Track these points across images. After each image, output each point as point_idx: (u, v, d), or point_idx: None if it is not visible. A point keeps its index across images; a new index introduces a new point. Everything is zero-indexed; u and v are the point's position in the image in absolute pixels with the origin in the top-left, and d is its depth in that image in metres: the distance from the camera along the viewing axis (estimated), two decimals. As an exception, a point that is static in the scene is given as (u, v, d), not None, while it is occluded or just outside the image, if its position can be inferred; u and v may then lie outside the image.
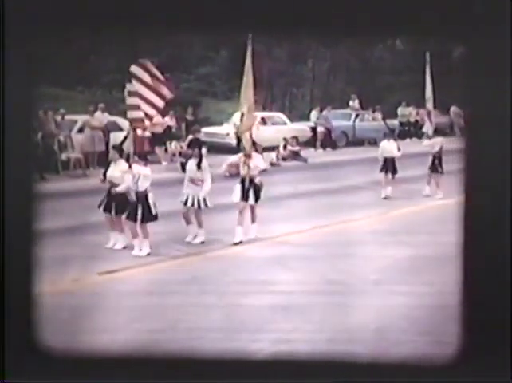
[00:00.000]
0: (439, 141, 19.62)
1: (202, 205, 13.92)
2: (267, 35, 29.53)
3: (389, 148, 19.40)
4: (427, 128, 32.38)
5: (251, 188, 14.28)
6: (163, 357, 4.18)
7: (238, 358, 4.26)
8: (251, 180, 14.33)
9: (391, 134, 21.12)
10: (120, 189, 13.30)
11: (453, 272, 3.99)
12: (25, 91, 3.94)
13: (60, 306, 8.91)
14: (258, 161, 14.87)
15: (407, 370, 4.11)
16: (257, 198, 14.39)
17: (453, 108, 34.15)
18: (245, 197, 14.26)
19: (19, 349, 3.91)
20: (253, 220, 14.43)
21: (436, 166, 18.83)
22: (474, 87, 3.86)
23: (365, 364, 4.22)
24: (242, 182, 14.35)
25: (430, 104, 21.16)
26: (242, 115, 14.92)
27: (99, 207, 13.52)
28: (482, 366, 3.91)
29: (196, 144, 15.41)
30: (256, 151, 15.58)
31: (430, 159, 19.02)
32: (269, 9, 4.12)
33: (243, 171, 14.46)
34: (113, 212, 13.42)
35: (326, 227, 15.26)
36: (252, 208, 14.42)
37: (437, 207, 17.02)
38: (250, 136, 14.92)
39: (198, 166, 13.99)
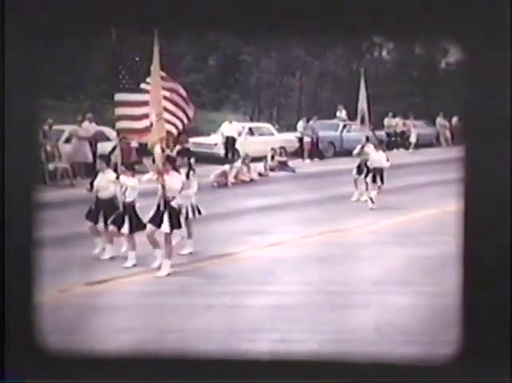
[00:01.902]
0: (370, 148, 19.97)
1: (190, 215, 13.79)
2: (256, 42, 29.61)
3: (378, 158, 19.44)
4: (414, 139, 32.78)
5: (165, 213, 12.19)
6: (163, 357, 4.15)
7: (238, 358, 4.24)
8: (166, 203, 12.25)
9: (380, 144, 21.21)
10: (104, 194, 13.28)
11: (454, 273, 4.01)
12: (27, 101, 3.93)
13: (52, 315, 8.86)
14: (174, 181, 12.49)
15: (407, 370, 4.11)
16: (172, 225, 12.22)
17: (439, 119, 34.36)
18: (157, 223, 12.26)
19: (19, 350, 3.89)
20: (168, 256, 12.25)
21: (362, 169, 19.51)
22: (474, 90, 3.87)
23: (365, 364, 4.20)
24: (158, 205, 12.33)
25: (364, 116, 21.16)
26: (151, 125, 12.24)
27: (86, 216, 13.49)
28: (482, 366, 3.91)
29: (185, 153, 15.08)
30: (174, 169, 12.79)
31: (356, 164, 19.95)
32: (260, 15, 4.12)
33: (159, 192, 12.32)
34: (101, 222, 13.38)
35: (316, 237, 15.25)
36: (166, 237, 12.26)
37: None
38: (162, 149, 12.44)
39: (187, 176, 13.84)
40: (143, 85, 12.93)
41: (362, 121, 21.11)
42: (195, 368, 4.15)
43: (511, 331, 4.03)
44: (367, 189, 19.25)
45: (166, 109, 12.79)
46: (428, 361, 4.27)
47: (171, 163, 12.74)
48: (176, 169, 13.00)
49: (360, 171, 19.73)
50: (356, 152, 20.43)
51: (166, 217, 12.19)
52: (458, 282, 4.07)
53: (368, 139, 20.54)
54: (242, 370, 4.10)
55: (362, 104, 20.92)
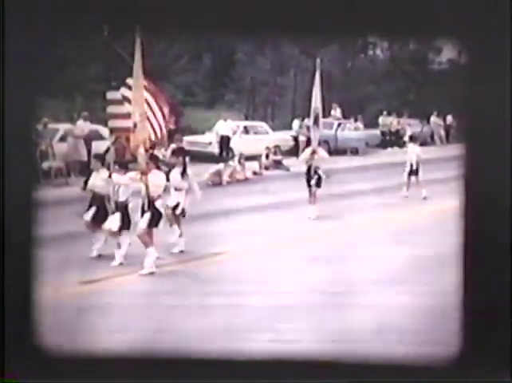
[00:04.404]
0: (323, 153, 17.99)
1: (181, 213, 13.76)
2: (251, 40, 29.62)
3: (417, 151, 20.19)
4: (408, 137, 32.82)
5: (149, 212, 12.28)
6: (163, 357, 4.15)
7: (238, 358, 4.23)
8: (150, 203, 12.32)
9: (416, 138, 22.11)
10: (98, 192, 13.27)
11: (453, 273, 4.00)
12: (25, 100, 3.91)
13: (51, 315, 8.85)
14: (158, 179, 12.52)
15: (407, 370, 4.10)
16: (150, 224, 12.32)
17: (433, 118, 34.41)
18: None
19: (19, 349, 3.88)
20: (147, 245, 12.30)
21: (311, 177, 17.24)
22: (474, 89, 3.87)
23: (365, 364, 4.20)
24: (142, 205, 12.42)
25: (318, 115, 17.82)
26: (134, 125, 12.21)
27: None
28: (482, 366, 3.91)
29: (180, 152, 15.03)
30: (158, 168, 12.83)
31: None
32: (256, 12, 4.11)
33: (142, 191, 12.40)
34: (93, 220, 13.36)
35: (310, 235, 15.26)
36: (149, 233, 12.38)
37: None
38: (146, 150, 12.41)
39: (182, 175, 13.81)
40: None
41: (315, 121, 17.72)
42: (194, 368, 4.15)
43: (511, 331, 4.03)
44: (312, 202, 17.11)
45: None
46: (428, 361, 4.27)
47: (154, 162, 12.73)
48: (159, 168, 13.02)
49: (309, 180, 17.35)
50: (303, 157, 17.99)
51: (147, 215, 12.25)
52: (457, 282, 4.07)
53: (319, 143, 17.99)
54: (240, 370, 4.10)
55: (316, 101, 17.71)
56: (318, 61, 18.05)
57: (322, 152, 17.77)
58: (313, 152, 17.40)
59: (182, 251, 13.62)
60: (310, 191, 17.30)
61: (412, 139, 21.70)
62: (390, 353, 7.51)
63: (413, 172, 19.89)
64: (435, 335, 7.95)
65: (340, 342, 8.22)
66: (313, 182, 17.21)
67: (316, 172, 17.26)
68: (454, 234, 4.00)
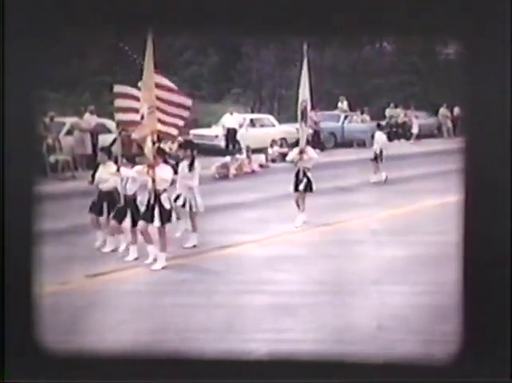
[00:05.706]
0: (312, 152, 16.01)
1: (194, 208, 13.74)
2: (256, 36, 29.58)
3: (383, 139, 21.77)
4: (416, 130, 32.77)
5: (156, 207, 12.16)
6: (163, 357, 4.15)
7: (237, 358, 4.24)
8: (156, 196, 12.24)
9: (383, 127, 23.74)
10: (106, 187, 13.29)
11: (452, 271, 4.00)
12: (27, 93, 3.92)
13: (55, 306, 8.88)
14: (165, 173, 12.38)
15: (407, 370, 4.10)
16: (162, 219, 12.18)
17: (441, 110, 34.35)
18: (148, 218, 12.25)
19: (19, 349, 3.89)
20: (162, 249, 12.22)
21: (301, 181, 15.36)
22: (474, 86, 3.86)
23: (365, 364, 4.20)
24: (148, 199, 12.36)
25: (306, 109, 15.26)
26: (142, 117, 12.13)
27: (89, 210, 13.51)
28: (482, 366, 3.90)
29: (188, 145, 15.01)
30: (165, 162, 12.78)
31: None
32: (259, 9, 4.11)
33: (149, 185, 12.31)
34: (104, 214, 13.40)
35: (314, 229, 15.25)
36: (159, 230, 12.27)
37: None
38: (153, 142, 12.28)
39: (190, 168, 13.79)
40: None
41: (303, 116, 15.27)
42: (195, 368, 4.15)
43: (511, 331, 4.02)
44: (301, 209, 15.40)
45: (161, 110, 12.63)
46: (428, 360, 4.27)
47: (161, 156, 12.71)
48: (166, 162, 13.00)
49: (298, 185, 15.38)
50: (290, 158, 15.93)
51: (156, 211, 12.18)
52: (457, 281, 4.07)
53: (308, 141, 16.32)
54: (240, 370, 4.10)
55: (303, 93, 15.22)
56: (305, 47, 15.38)
57: (311, 152, 15.73)
58: (301, 152, 15.41)
59: (195, 246, 13.59)
60: (298, 196, 15.46)
61: (379, 127, 22.93)
62: (390, 352, 7.54)
63: (377, 158, 21.25)
64: (435, 334, 7.96)
65: (340, 342, 8.22)
66: (301, 187, 15.33)
67: (305, 175, 15.35)
68: (454, 230, 3.99)
